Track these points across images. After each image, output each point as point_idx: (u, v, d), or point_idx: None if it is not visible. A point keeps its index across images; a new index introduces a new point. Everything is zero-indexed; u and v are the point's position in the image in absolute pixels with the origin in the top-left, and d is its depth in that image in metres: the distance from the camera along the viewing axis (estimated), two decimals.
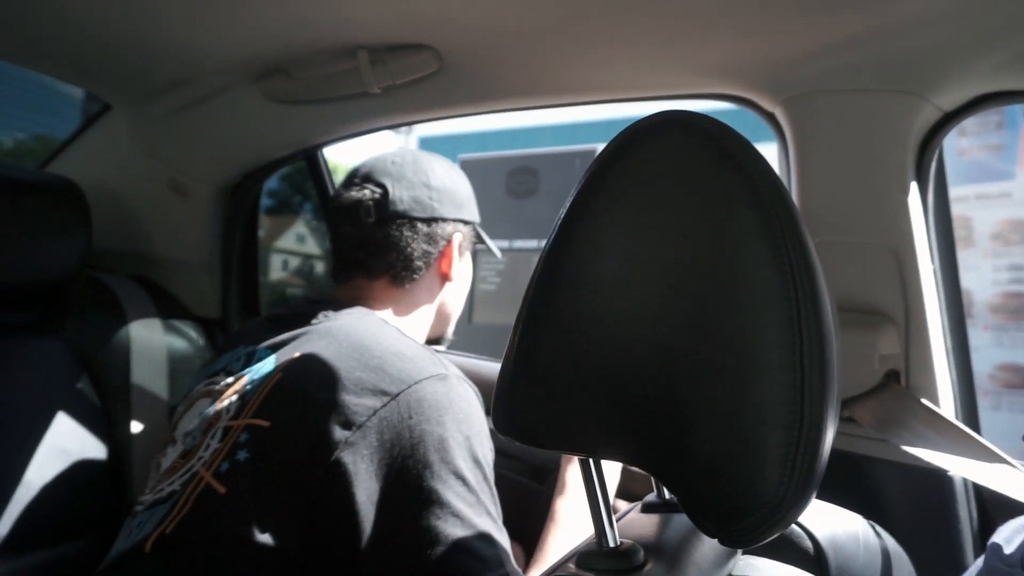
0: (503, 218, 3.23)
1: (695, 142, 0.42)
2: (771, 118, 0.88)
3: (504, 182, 3.25)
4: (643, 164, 0.43)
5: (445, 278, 1.07)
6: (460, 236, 1.06)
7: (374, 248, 1.01)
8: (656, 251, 0.41)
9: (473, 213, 1.10)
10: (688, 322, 0.40)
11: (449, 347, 1.27)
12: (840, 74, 0.81)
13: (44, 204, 1.18)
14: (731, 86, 0.86)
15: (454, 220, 1.05)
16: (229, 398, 0.90)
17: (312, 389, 0.82)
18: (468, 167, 3.45)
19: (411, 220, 1.01)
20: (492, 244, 1.18)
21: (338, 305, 0.98)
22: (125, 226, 1.44)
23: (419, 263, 1.03)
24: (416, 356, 0.86)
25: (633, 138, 0.44)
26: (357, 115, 1.12)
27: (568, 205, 0.46)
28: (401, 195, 1.01)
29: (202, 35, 0.97)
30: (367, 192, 1.02)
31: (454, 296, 1.12)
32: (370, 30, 0.92)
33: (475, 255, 1.15)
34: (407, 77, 0.99)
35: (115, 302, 1.30)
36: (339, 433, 0.78)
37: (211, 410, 0.91)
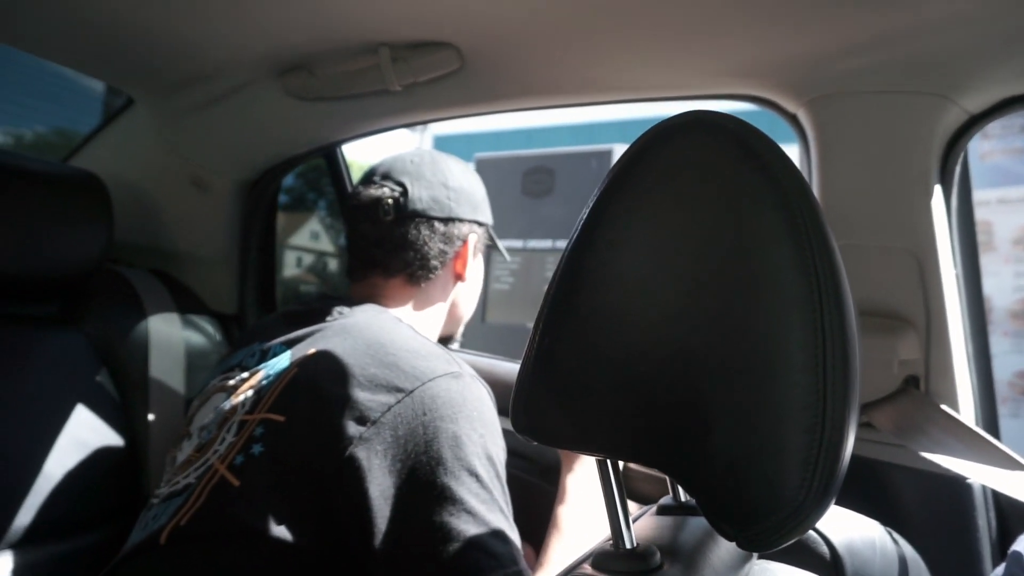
0: (518, 217, 3.23)
1: (721, 142, 0.42)
2: (793, 119, 0.87)
3: (520, 181, 3.25)
4: (667, 164, 0.43)
5: (459, 278, 1.08)
6: (475, 237, 1.07)
7: (391, 246, 1.02)
8: (679, 251, 0.41)
9: (487, 215, 1.11)
10: (710, 323, 0.39)
11: (462, 346, 1.28)
12: (865, 75, 0.80)
13: (67, 197, 1.19)
14: (753, 87, 0.85)
15: (470, 221, 1.06)
16: (244, 393, 0.91)
17: (327, 385, 0.82)
18: (484, 166, 3.46)
19: (429, 219, 1.02)
20: (502, 246, 1.19)
21: (353, 302, 0.99)
22: (146, 220, 1.45)
23: (435, 262, 1.03)
24: (430, 354, 0.87)
25: (658, 138, 0.44)
26: (378, 112, 1.13)
27: (591, 205, 0.45)
28: (420, 194, 1.02)
29: (225, 30, 0.98)
30: (386, 190, 1.02)
31: (466, 296, 1.12)
32: (392, 27, 0.92)
33: (488, 256, 1.16)
34: (428, 75, 0.99)
35: (134, 296, 1.31)
36: (353, 429, 0.78)
37: (227, 404, 0.92)
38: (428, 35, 0.94)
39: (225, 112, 1.20)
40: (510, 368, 1.28)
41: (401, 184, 1.03)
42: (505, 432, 1.23)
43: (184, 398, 1.31)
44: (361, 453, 0.77)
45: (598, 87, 0.96)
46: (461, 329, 1.18)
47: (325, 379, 0.83)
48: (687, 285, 0.41)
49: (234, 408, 0.90)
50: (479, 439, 0.81)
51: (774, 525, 0.38)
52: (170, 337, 1.32)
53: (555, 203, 3.17)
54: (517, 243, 3.28)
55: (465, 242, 1.06)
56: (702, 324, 0.40)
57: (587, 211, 0.46)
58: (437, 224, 1.03)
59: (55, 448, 1.11)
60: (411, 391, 0.81)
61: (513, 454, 1.21)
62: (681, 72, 0.87)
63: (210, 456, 0.86)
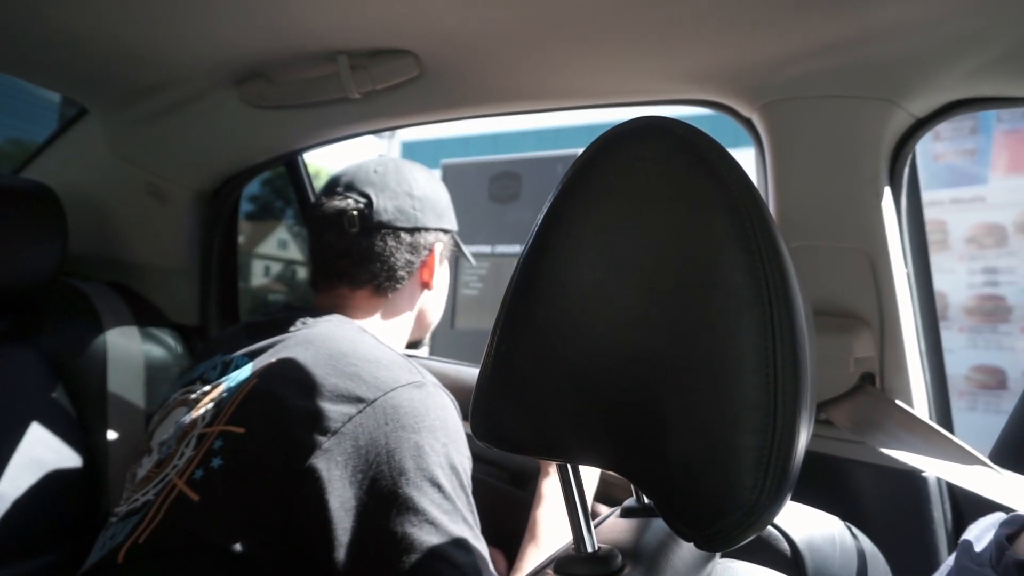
0: (486, 223, 3.23)
1: (671, 147, 0.42)
2: (748, 123, 0.89)
3: (487, 187, 3.25)
4: (619, 169, 0.43)
5: (425, 286, 1.08)
6: (441, 245, 1.07)
7: (358, 258, 1.01)
8: (631, 256, 0.42)
9: (452, 221, 1.11)
10: (663, 327, 0.40)
11: (431, 352, 1.27)
12: (816, 80, 0.82)
13: (19, 210, 1.16)
14: (709, 92, 0.87)
15: (435, 229, 1.06)
16: (205, 406, 0.89)
17: (287, 395, 0.81)
18: (450, 172, 3.46)
19: (395, 230, 1.02)
20: (468, 252, 1.19)
21: (317, 313, 0.98)
22: (102, 232, 1.42)
23: (402, 273, 1.03)
24: (393, 364, 0.86)
25: (609, 144, 0.44)
26: (337, 120, 1.12)
27: (545, 211, 0.46)
28: (385, 205, 1.01)
29: (180, 40, 0.96)
30: (351, 201, 1.01)
31: (433, 303, 1.13)
32: (350, 35, 0.92)
33: (455, 262, 1.15)
34: (387, 82, 0.99)
35: (91, 309, 1.28)
36: (313, 439, 0.77)
37: (186, 418, 0.90)
38: (386, 43, 0.93)
39: (181, 122, 1.18)
40: (476, 374, 1.28)
41: (366, 195, 1.02)
42: (472, 438, 1.23)
43: (144, 413, 1.28)
44: (321, 464, 0.76)
45: (557, 93, 0.97)
46: (428, 334, 1.18)
47: (285, 389, 0.82)
48: (641, 289, 0.41)
49: (194, 422, 0.89)
50: (442, 448, 0.81)
51: (730, 525, 0.38)
52: (128, 350, 1.30)
53: (522, 208, 3.17)
54: (485, 248, 3.27)
55: (431, 251, 1.06)
56: (656, 328, 0.40)
57: (541, 217, 0.46)
58: (403, 235, 1.02)
59: (9, 467, 1.08)
60: (372, 401, 0.80)
61: (481, 460, 1.21)
62: (638, 77, 0.88)
63: (169, 471, 0.84)
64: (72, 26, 0.94)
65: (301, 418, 0.79)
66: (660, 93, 0.90)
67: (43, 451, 1.13)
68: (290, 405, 0.80)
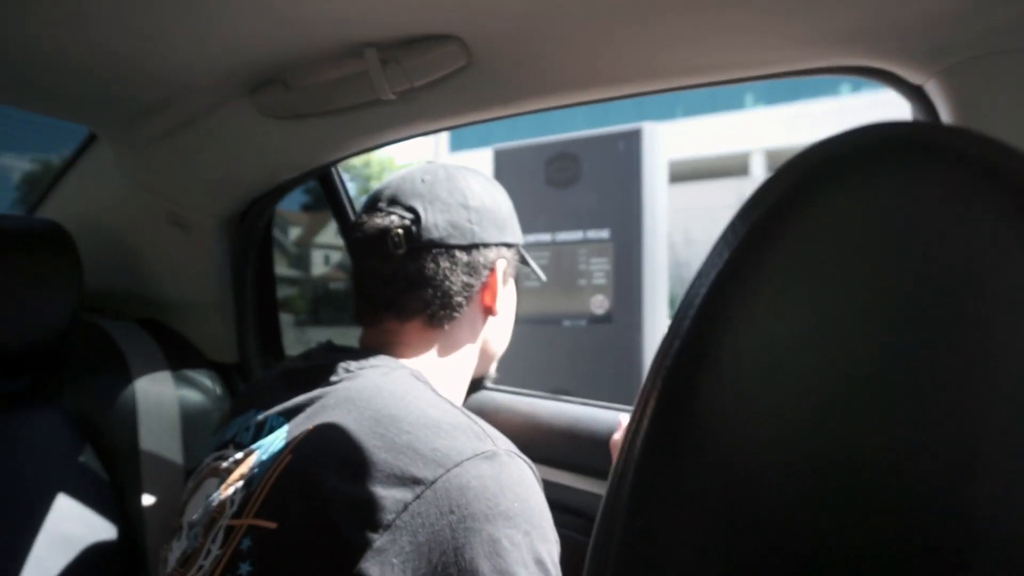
0: (544, 209, 3.01)
1: (955, 181, 0.22)
2: (917, 93, 0.65)
3: (543, 171, 3.04)
4: (850, 215, 0.26)
5: (488, 312, 0.89)
6: (504, 262, 0.88)
7: (406, 284, 0.84)
8: (875, 354, 0.24)
9: (516, 234, 0.91)
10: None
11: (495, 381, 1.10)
12: (1018, 28, 0.58)
13: (25, 254, 1.02)
14: (864, 56, 0.63)
15: (497, 244, 0.87)
16: (234, 484, 0.75)
17: (327, 477, 0.66)
18: (504, 158, 3.25)
19: (448, 249, 0.83)
20: (537, 267, 0.99)
21: (362, 354, 0.81)
22: (126, 266, 1.28)
23: (459, 299, 0.85)
24: (455, 428, 0.69)
25: (829, 173, 0.25)
26: (371, 126, 0.93)
27: (707, 287, 0.27)
28: (436, 220, 0.83)
29: (181, 49, 0.80)
30: (395, 218, 0.83)
31: (498, 331, 0.94)
32: (378, 23, 0.73)
33: (517, 278, 0.96)
34: (427, 77, 0.79)
35: (117, 354, 1.15)
36: (362, 536, 0.62)
37: (215, 499, 0.76)
38: (424, 28, 0.74)
39: (195, 141, 1.02)
40: (537, 405, 1.09)
41: (412, 209, 0.84)
42: (553, 485, 1.07)
43: (184, 469, 1.14)
44: (373, 569, 0.61)
45: (646, 72, 0.75)
46: (494, 367, 1.00)
47: (325, 469, 0.67)
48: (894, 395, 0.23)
49: (221, 506, 0.75)
50: (524, 539, 0.64)
51: None
52: (161, 399, 1.16)
53: (582, 191, 2.95)
54: (544, 237, 3.06)
55: (492, 270, 0.87)
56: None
57: (699, 297, 0.27)
58: (459, 254, 0.84)
59: (36, 546, 0.96)
60: (433, 482, 0.64)
61: (563, 510, 1.03)
62: (764, 44, 0.65)
63: (194, 575, 0.70)
64: (65, 47, 0.79)
65: (345, 508, 0.64)
66: (791, 62, 0.66)
67: (73, 526, 1.00)
68: (331, 491, 0.65)
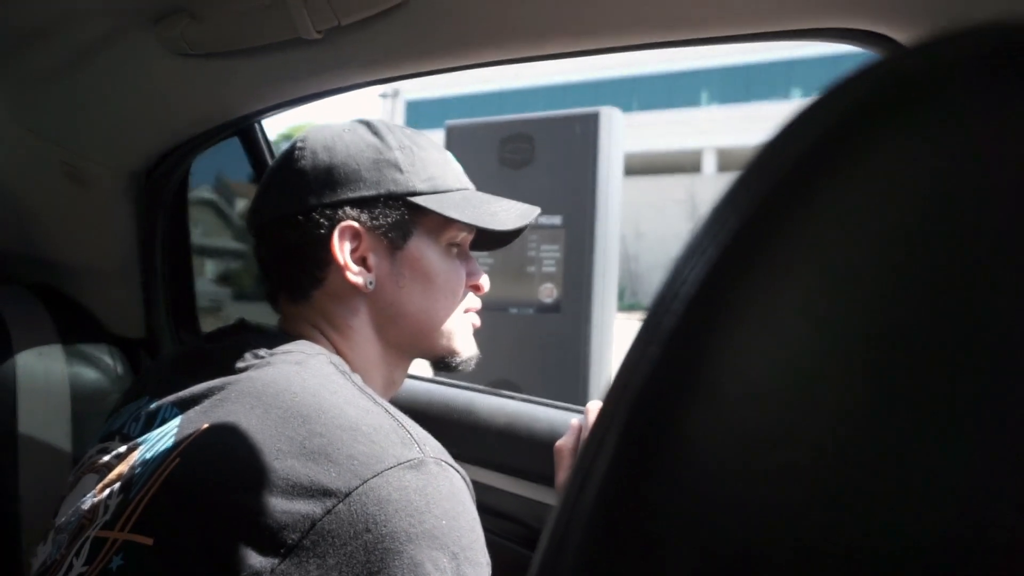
0: (497, 190, 2.91)
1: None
2: None
3: (497, 151, 2.93)
4: (927, 170, 0.17)
5: (353, 287, 0.72)
6: (353, 223, 0.71)
7: (261, 266, 0.78)
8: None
9: (386, 182, 0.72)
10: None
11: None
12: None
13: None
14: (859, 17, 0.54)
15: (333, 204, 0.71)
16: (111, 487, 0.64)
17: (219, 487, 0.56)
18: (456, 135, 3.13)
19: (275, 223, 0.74)
20: (450, 212, 0.74)
21: (278, 338, 0.70)
22: (19, 223, 1.13)
23: (302, 275, 0.73)
24: (376, 431, 0.59)
25: (895, 105, 0.16)
26: (294, 73, 0.81)
27: (714, 259, 0.17)
28: (269, 196, 0.75)
29: None
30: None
31: (408, 301, 0.75)
32: None
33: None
34: (356, 15, 0.68)
35: None
36: (259, 560, 0.53)
37: (87, 502, 0.65)
38: None
39: (90, 79, 0.88)
40: (486, 403, 1.00)
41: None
42: (490, 489, 0.98)
43: (72, 459, 1.01)
44: None
45: (608, 25, 0.65)
46: (463, 342, 0.80)
47: (218, 477, 0.57)
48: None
49: (93, 512, 0.63)
50: (450, 564, 0.55)
51: None
52: (49, 376, 1.02)
53: (535, 174, 2.85)
54: None
55: (331, 236, 0.71)
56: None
57: (701, 272, 0.18)
58: (287, 228, 0.72)
59: None
60: (347, 495, 0.54)
61: (501, 517, 0.94)
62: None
63: None
64: None
65: (240, 524, 0.54)
66: (777, 20, 0.57)
67: None
68: (223, 504, 0.55)
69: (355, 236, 0.71)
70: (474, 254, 0.83)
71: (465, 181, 0.79)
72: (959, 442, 0.15)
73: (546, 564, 0.20)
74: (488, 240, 0.84)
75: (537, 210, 0.84)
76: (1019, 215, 0.16)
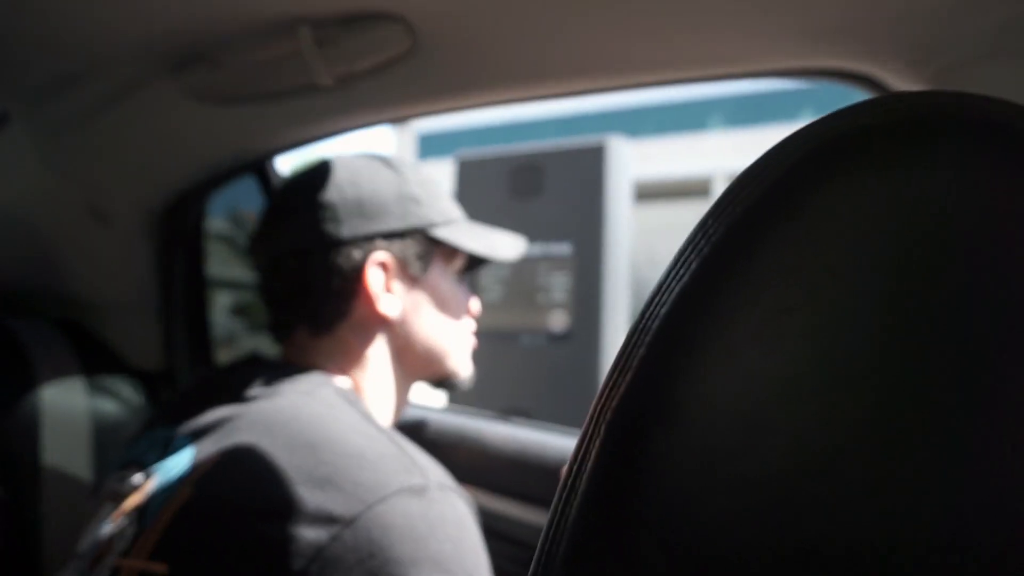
0: (507, 221, 2.93)
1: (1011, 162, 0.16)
2: None
3: (507, 182, 2.97)
4: (873, 209, 0.19)
5: (380, 319, 0.76)
6: (385, 255, 0.75)
7: (270, 296, 0.81)
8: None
9: (410, 217, 0.76)
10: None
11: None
12: (1010, 31, 0.53)
13: None
14: (841, 56, 0.57)
15: (364, 237, 0.74)
16: (127, 515, 0.66)
17: (230, 515, 0.58)
18: (467, 167, 3.17)
19: (299, 254, 0.76)
20: (465, 243, 0.78)
21: (287, 369, 0.72)
22: (43, 261, 1.17)
23: (327, 306, 0.75)
24: (381, 458, 0.61)
25: (846, 151, 0.19)
26: (309, 115, 0.85)
27: (668, 306, 0.20)
28: (288, 225, 0.78)
29: (95, 11, 0.71)
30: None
31: (423, 330, 0.78)
32: None
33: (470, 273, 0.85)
34: (368, 61, 0.72)
35: (21, 357, 1.04)
36: None
37: (104, 531, 0.67)
38: (363, 5, 0.66)
39: (115, 124, 0.92)
40: (496, 432, 1.01)
41: (271, 220, 0.81)
42: (498, 516, 0.99)
43: (93, 487, 1.03)
44: None
45: (606, 66, 0.68)
46: (457, 361, 0.83)
47: (228, 506, 0.59)
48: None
49: (110, 541, 0.65)
50: None
51: None
52: (71, 409, 1.05)
53: (545, 204, 2.88)
54: None
55: (363, 270, 0.74)
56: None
57: (667, 304, 0.20)
58: (312, 258, 0.75)
59: None
60: (352, 521, 0.56)
61: (503, 539, 0.95)
62: (732, 39, 0.59)
63: None
64: None
65: (251, 551, 0.56)
66: (761, 61, 0.60)
67: None
68: (234, 532, 0.57)
69: (384, 268, 0.74)
70: (485, 281, 0.88)
71: (460, 211, 0.84)
72: (899, 453, 0.17)
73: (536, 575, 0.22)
74: (471, 265, 0.88)
75: (523, 242, 0.88)
76: (968, 252, 0.18)
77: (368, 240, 0.73)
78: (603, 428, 0.20)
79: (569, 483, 0.21)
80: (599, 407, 0.21)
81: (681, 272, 0.20)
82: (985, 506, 0.16)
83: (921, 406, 0.17)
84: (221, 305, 1.35)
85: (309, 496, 0.57)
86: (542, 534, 0.22)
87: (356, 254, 0.73)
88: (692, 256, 0.20)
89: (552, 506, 0.22)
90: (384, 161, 0.79)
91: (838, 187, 0.18)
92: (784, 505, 0.18)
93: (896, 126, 0.18)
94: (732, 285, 0.19)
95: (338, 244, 0.73)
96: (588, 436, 0.21)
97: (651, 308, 0.21)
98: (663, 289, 0.21)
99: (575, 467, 0.21)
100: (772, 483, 0.18)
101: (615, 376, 0.21)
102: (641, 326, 0.21)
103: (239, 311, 1.48)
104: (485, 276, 2.97)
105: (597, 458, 0.20)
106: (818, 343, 0.18)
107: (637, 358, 0.20)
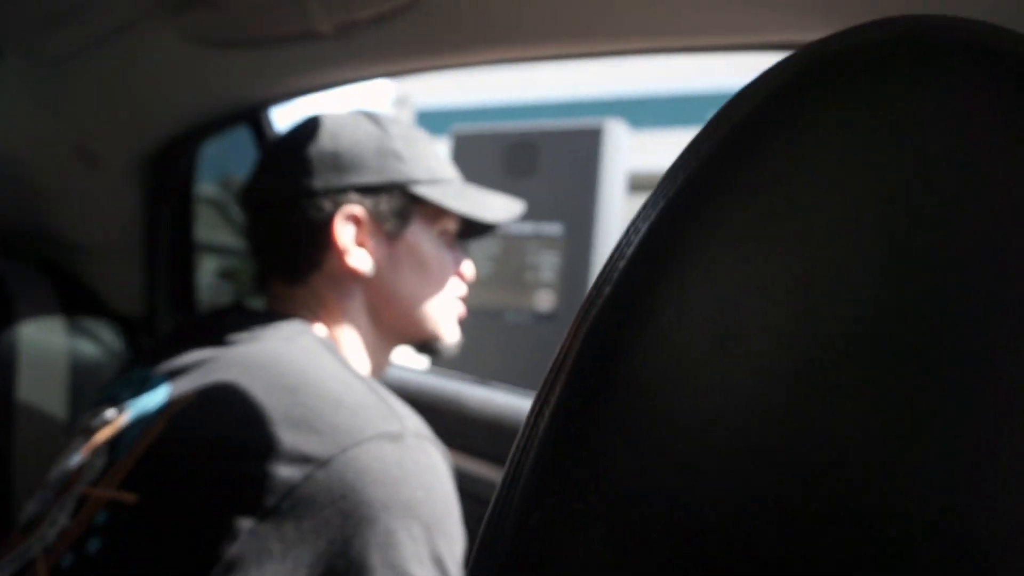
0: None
1: (1001, 83, 0.17)
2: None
3: (503, 159, 2.96)
4: (855, 128, 0.19)
5: (351, 273, 0.74)
6: (359, 208, 0.73)
7: (254, 247, 0.81)
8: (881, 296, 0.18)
9: (390, 171, 0.74)
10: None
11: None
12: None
13: None
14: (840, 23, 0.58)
15: (336, 190, 0.72)
16: (98, 447, 0.66)
17: (203, 451, 0.59)
18: (463, 142, 3.16)
19: (271, 206, 0.76)
20: (448, 202, 0.76)
21: (269, 317, 0.72)
22: (29, 200, 1.16)
23: (297, 257, 0.75)
24: (359, 405, 0.61)
25: (831, 72, 0.19)
26: (307, 64, 0.84)
27: (652, 219, 0.20)
28: (265, 177, 0.78)
29: None
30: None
31: (402, 287, 0.77)
32: None
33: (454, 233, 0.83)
34: (369, 10, 0.71)
35: (2, 295, 1.03)
36: (240, 520, 0.55)
37: (74, 460, 0.67)
38: None
39: (107, 63, 0.91)
40: (475, 394, 1.02)
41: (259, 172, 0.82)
42: (474, 478, 1.00)
43: (67, 427, 1.03)
44: (250, 555, 0.54)
45: (612, 29, 0.68)
46: (441, 324, 0.81)
47: (202, 442, 0.59)
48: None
49: (79, 470, 0.65)
50: (423, 533, 0.57)
51: None
52: (49, 347, 1.05)
53: (539, 183, 2.88)
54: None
55: (331, 221, 0.73)
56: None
57: (635, 241, 0.21)
58: (282, 210, 0.75)
59: None
60: (326, 462, 0.56)
61: (476, 500, 0.96)
62: (742, 9, 0.59)
63: (33, 544, 0.61)
64: None
65: (222, 486, 0.56)
66: (761, 34, 0.60)
67: None
68: (207, 467, 0.58)
69: (357, 222, 0.73)
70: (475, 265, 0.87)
71: (454, 172, 0.82)
72: (884, 367, 0.17)
73: (500, 496, 0.22)
74: (471, 231, 0.87)
75: (520, 206, 0.87)
76: (954, 173, 0.18)
77: (340, 192, 0.72)
78: (580, 337, 0.21)
79: (544, 393, 0.22)
80: (578, 320, 0.21)
81: (667, 186, 0.20)
82: (937, 416, 0.17)
83: (906, 319, 0.17)
84: (208, 269, 1.35)
85: (284, 436, 0.57)
86: (513, 445, 0.22)
87: (327, 205, 0.72)
88: (678, 170, 0.20)
89: (527, 418, 0.22)
90: (371, 117, 0.78)
91: (831, 100, 0.19)
92: (756, 412, 0.18)
93: (888, 45, 0.19)
94: (717, 195, 0.19)
95: (311, 195, 0.72)
96: (564, 347, 0.21)
97: (635, 223, 0.21)
98: (649, 205, 0.21)
99: (551, 376, 0.22)
100: (743, 389, 0.18)
101: (595, 291, 0.21)
102: (624, 240, 0.21)
103: (226, 275, 1.47)
104: (474, 252, 2.98)
105: (573, 365, 0.21)
106: (799, 250, 0.18)
107: (619, 271, 0.20)
